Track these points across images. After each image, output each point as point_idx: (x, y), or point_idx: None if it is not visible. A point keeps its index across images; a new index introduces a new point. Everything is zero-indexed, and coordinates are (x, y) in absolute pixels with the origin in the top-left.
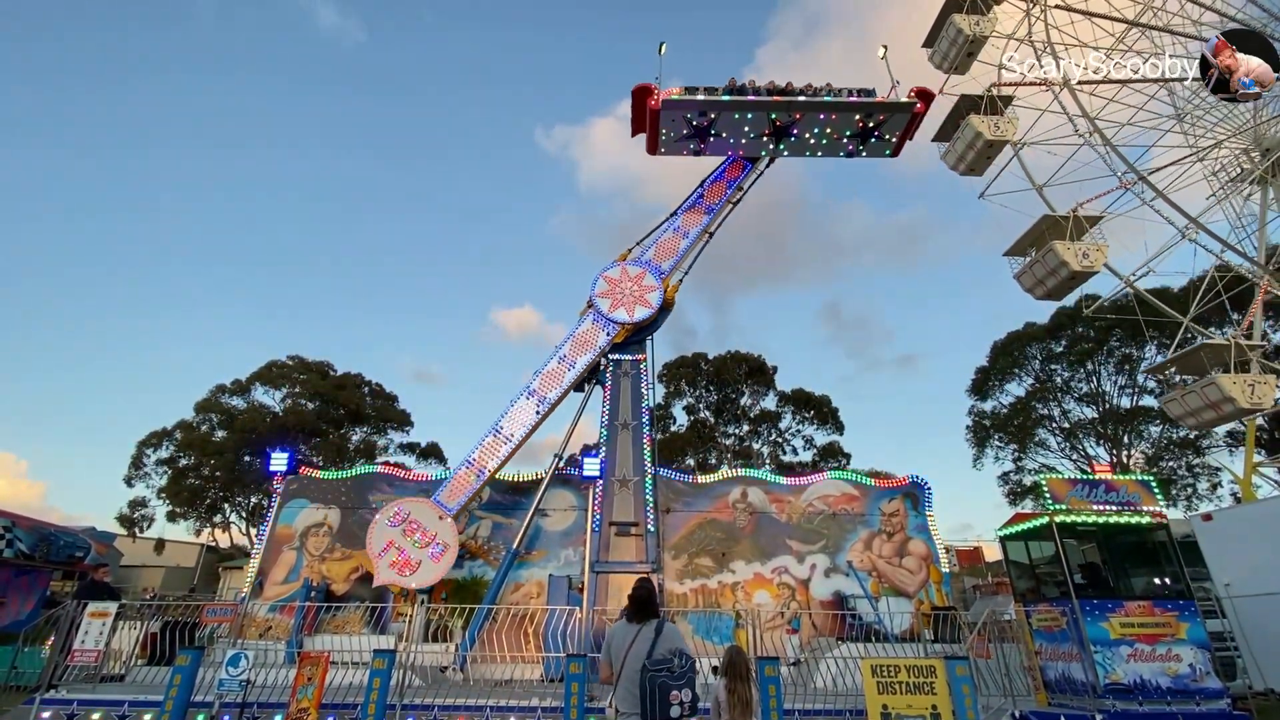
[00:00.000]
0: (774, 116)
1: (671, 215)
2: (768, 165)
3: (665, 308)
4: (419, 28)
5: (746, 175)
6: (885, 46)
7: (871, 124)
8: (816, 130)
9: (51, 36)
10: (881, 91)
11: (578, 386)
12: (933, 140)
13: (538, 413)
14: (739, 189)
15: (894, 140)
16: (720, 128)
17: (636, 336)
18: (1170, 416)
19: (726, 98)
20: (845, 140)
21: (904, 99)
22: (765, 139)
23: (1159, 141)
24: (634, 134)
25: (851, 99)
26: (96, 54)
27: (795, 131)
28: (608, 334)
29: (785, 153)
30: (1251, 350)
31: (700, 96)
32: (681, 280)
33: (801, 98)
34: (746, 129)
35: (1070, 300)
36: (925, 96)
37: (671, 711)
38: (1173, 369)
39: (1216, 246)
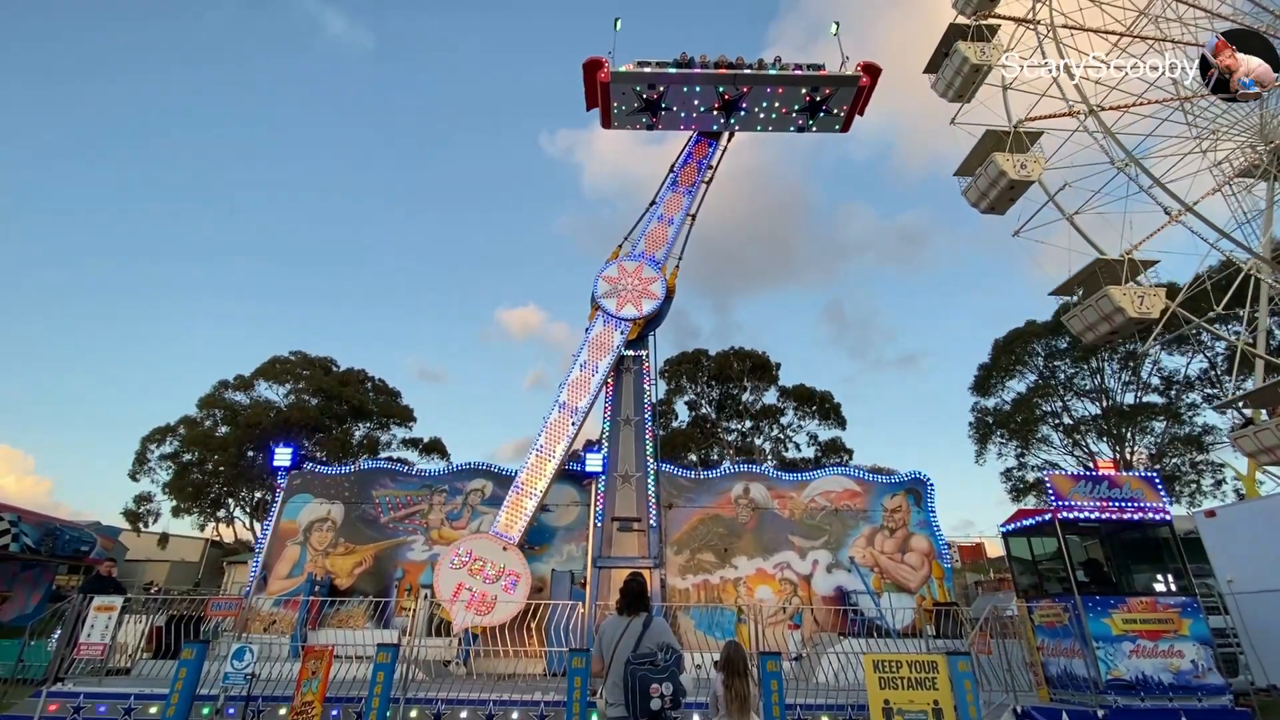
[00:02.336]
0: (722, 90)
1: (652, 204)
2: (729, 140)
3: (668, 295)
4: (425, 36)
5: (713, 152)
6: (837, 23)
7: (819, 98)
8: (765, 104)
9: (58, 36)
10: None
11: None
12: (924, 72)
13: (573, 424)
14: (709, 167)
15: (842, 115)
16: (670, 101)
17: (644, 330)
18: (1073, 333)
19: (673, 70)
20: (794, 114)
21: (850, 73)
22: (716, 113)
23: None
24: (589, 108)
25: (796, 72)
26: (108, 53)
27: (745, 105)
28: (622, 332)
29: (736, 127)
30: (1145, 266)
31: (649, 70)
32: (678, 266)
33: (747, 71)
34: (696, 103)
35: (1074, 297)
36: (871, 71)
37: (652, 704)
38: (1079, 288)
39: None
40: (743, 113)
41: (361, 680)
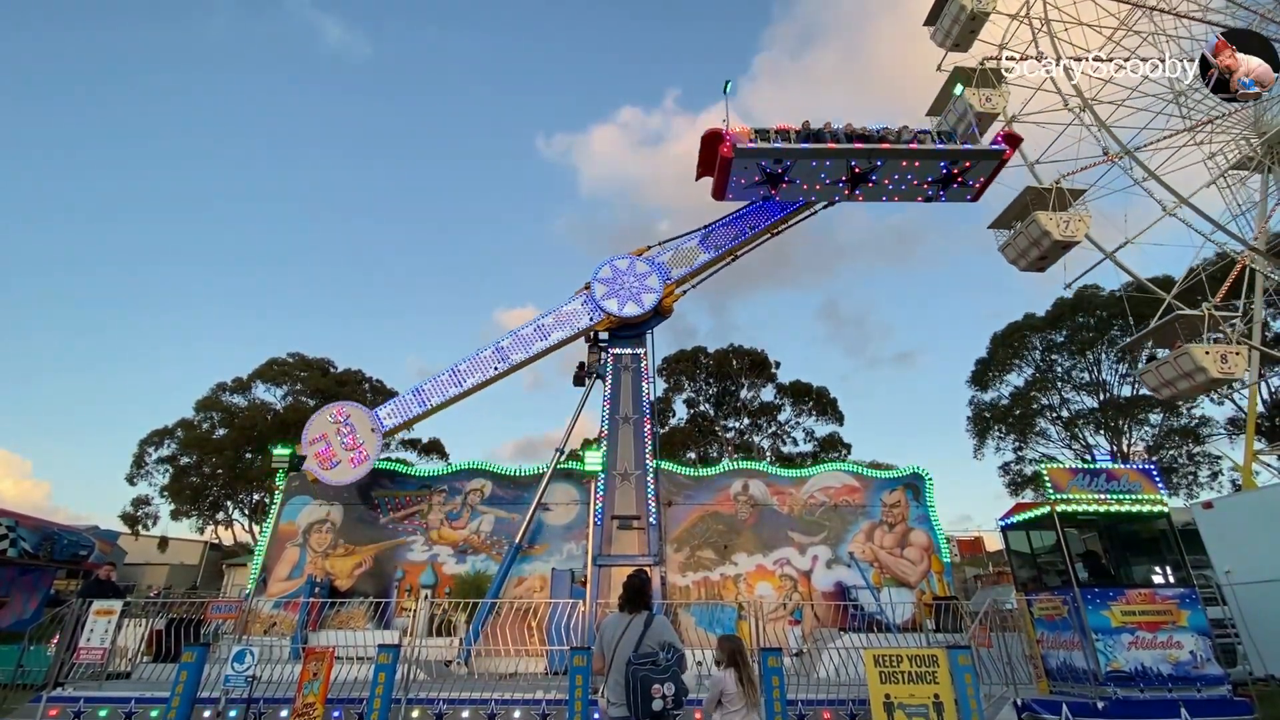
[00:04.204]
0: (854, 164)
1: (705, 227)
2: (826, 206)
3: (660, 313)
4: (422, 41)
5: (797, 209)
6: (961, 84)
7: (956, 170)
8: (897, 176)
9: (55, 40)
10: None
11: (578, 381)
12: (924, 24)
13: (496, 369)
14: (781, 221)
15: (976, 186)
16: (795, 174)
17: (629, 331)
18: (1007, 261)
19: (805, 145)
20: (926, 185)
21: (992, 146)
22: (841, 184)
23: (1152, 120)
24: (699, 177)
25: (938, 146)
26: (104, 59)
27: (874, 178)
28: (590, 319)
29: (860, 198)
30: (1074, 195)
31: (776, 144)
32: (686, 291)
33: (885, 144)
34: (823, 175)
35: (1070, 292)
36: (1013, 141)
37: (654, 704)
38: (1016, 221)
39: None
40: (871, 184)
41: (363, 681)
